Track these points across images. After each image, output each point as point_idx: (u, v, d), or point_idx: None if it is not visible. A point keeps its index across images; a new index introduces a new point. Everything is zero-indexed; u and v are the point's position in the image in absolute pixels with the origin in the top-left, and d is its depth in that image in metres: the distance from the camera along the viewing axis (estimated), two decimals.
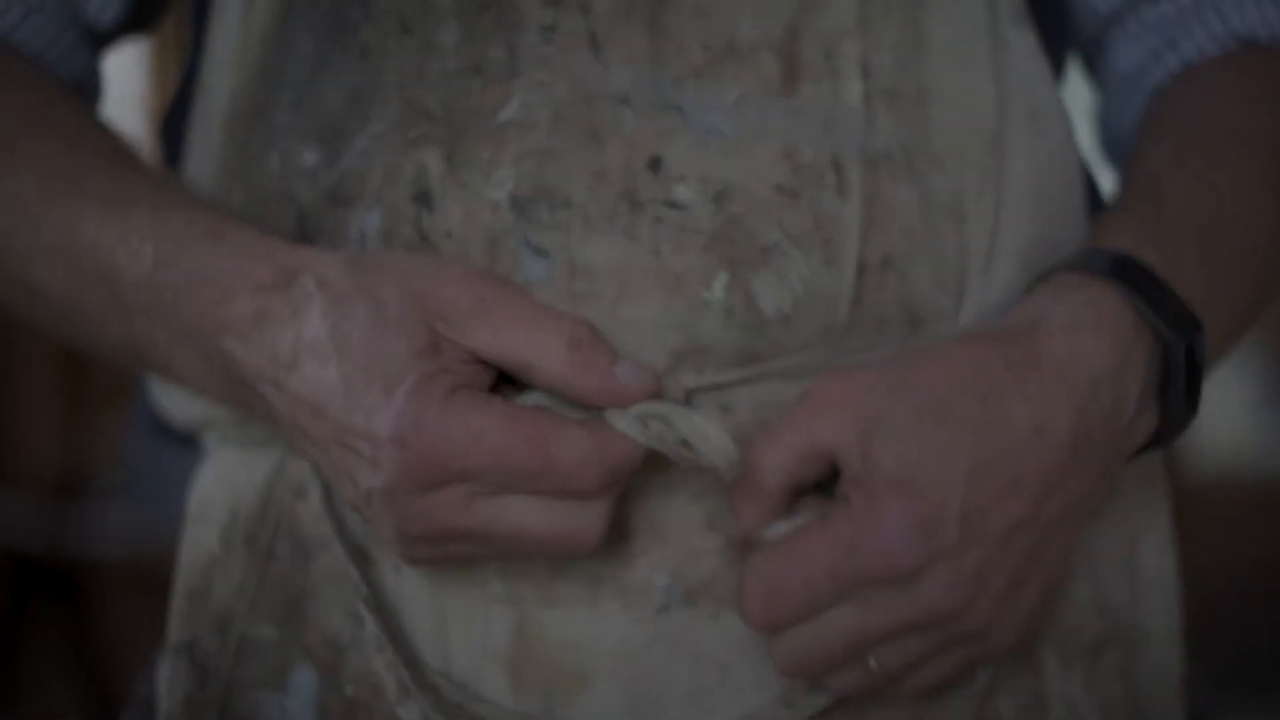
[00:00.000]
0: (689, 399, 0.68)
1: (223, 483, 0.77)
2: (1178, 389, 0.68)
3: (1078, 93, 0.85)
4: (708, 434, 0.66)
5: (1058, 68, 0.82)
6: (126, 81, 3.52)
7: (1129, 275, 0.68)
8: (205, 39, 0.79)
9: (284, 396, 0.66)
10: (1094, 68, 0.86)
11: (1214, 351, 0.73)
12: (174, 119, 0.82)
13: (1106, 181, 0.83)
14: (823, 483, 0.67)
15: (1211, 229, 0.74)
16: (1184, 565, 0.79)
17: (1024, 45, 0.74)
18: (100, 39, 0.83)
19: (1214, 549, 2.54)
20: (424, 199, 0.69)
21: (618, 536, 0.69)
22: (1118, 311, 0.68)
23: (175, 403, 0.79)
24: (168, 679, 0.77)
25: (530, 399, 0.67)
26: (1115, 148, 0.86)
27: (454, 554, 0.67)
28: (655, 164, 0.69)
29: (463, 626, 0.71)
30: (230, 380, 0.69)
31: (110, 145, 0.75)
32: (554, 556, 0.68)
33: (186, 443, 0.84)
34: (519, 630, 0.70)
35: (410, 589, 0.71)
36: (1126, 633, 0.75)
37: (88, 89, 0.84)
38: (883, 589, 0.64)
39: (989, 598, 0.65)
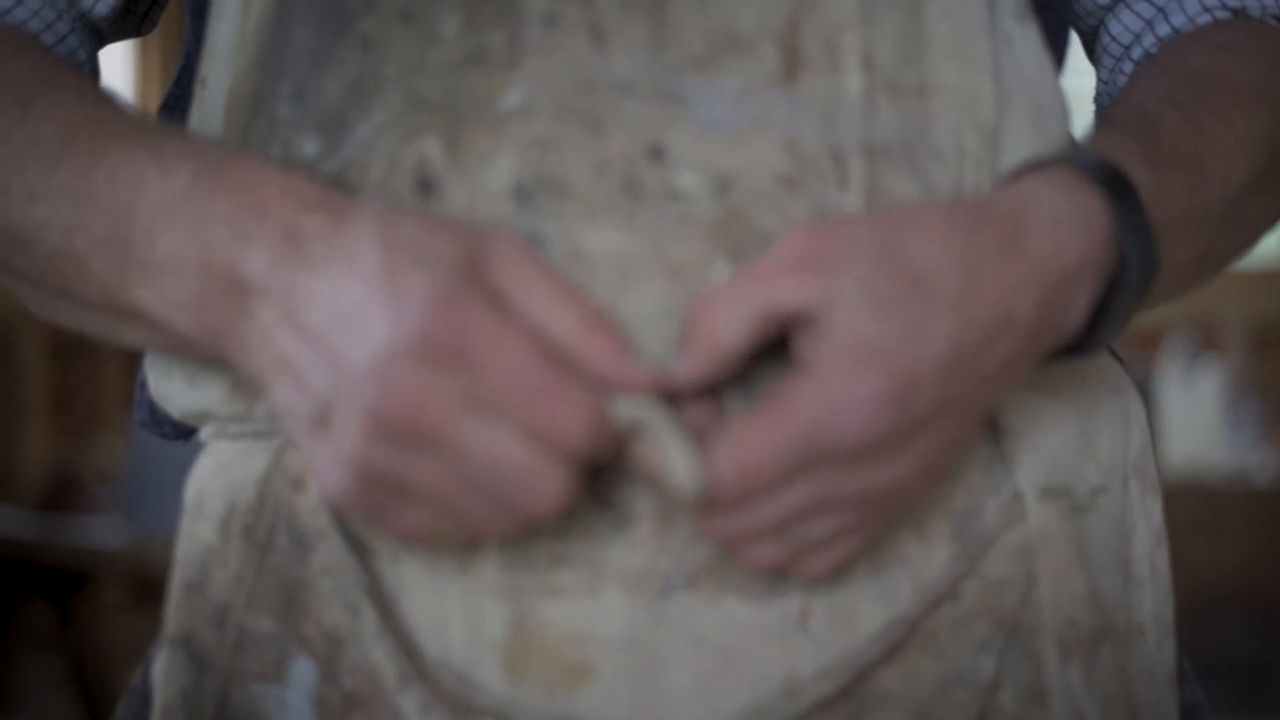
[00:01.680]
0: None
1: (220, 475, 0.76)
2: (1112, 313, 0.69)
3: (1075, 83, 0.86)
4: (680, 453, 0.65)
5: (1058, 59, 0.83)
6: (112, 78, 3.53)
7: (1118, 189, 0.69)
8: (203, 32, 0.79)
9: (293, 285, 0.65)
10: (1093, 48, 0.87)
11: (1169, 289, 0.74)
12: (170, 111, 0.82)
13: None
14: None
15: (1201, 170, 0.74)
16: None
17: (1027, 40, 0.74)
18: (96, 32, 0.83)
19: (1183, 556, 2.54)
20: (426, 188, 0.69)
21: (620, 522, 0.69)
22: (1098, 220, 0.69)
23: (171, 395, 0.79)
24: (164, 671, 0.76)
25: None
26: None
27: (410, 461, 0.66)
28: (656, 153, 0.69)
29: (462, 616, 0.70)
30: (224, 287, 0.68)
31: (121, 103, 0.75)
32: (508, 521, 0.67)
33: (182, 435, 0.84)
34: (517, 622, 0.70)
35: (408, 579, 0.71)
36: (1120, 627, 0.75)
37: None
38: (843, 463, 0.65)
39: (925, 472, 0.67)
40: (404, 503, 0.67)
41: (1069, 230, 0.68)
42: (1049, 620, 0.73)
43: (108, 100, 0.75)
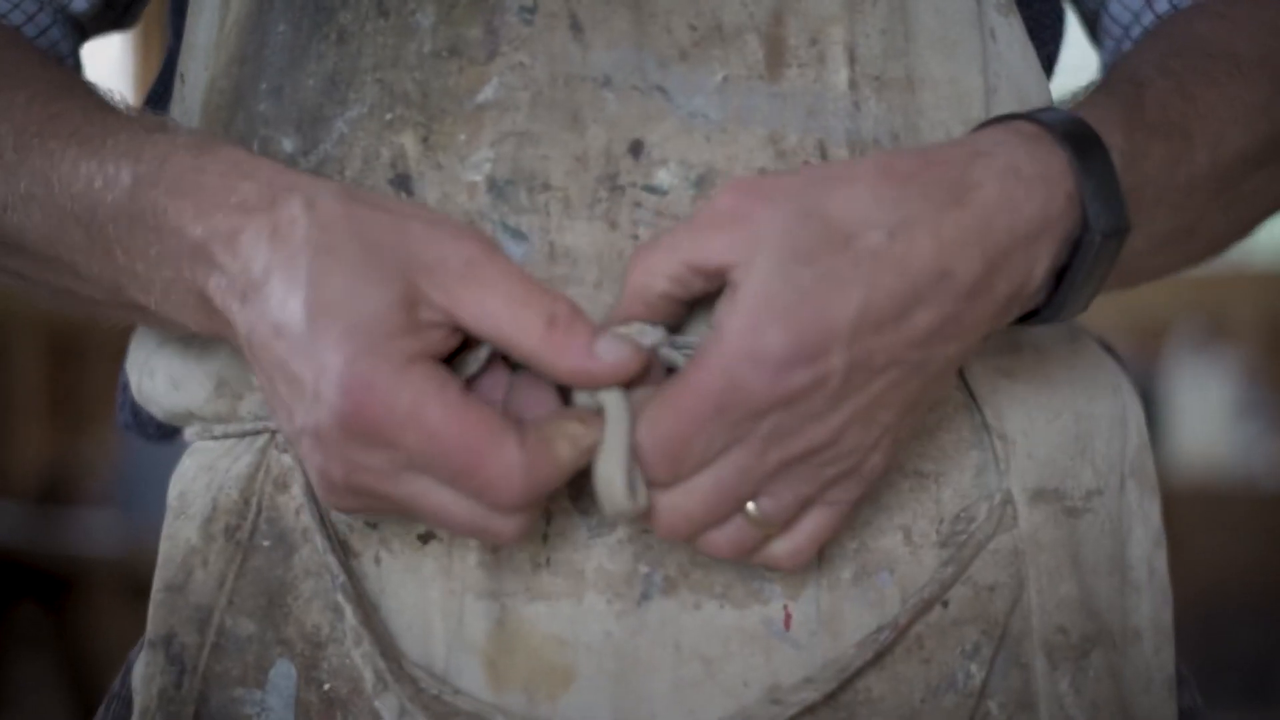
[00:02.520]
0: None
1: (203, 475, 0.76)
2: (1078, 278, 0.67)
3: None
4: (613, 476, 0.64)
5: (1050, 58, 0.82)
6: (109, 77, 3.52)
7: (1083, 146, 0.66)
8: (183, 28, 0.78)
9: (245, 314, 0.64)
10: (1095, 30, 0.85)
11: (1155, 263, 0.73)
12: (155, 106, 0.81)
13: None
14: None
15: (1187, 138, 0.72)
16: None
17: (1011, 33, 0.73)
18: (77, 26, 0.82)
19: (1189, 555, 2.54)
20: (402, 182, 0.69)
21: (600, 528, 0.68)
22: (1059, 176, 0.66)
23: (155, 396, 0.78)
24: (144, 673, 0.76)
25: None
26: None
27: (376, 511, 0.66)
28: (636, 148, 0.68)
29: (444, 618, 0.70)
30: (202, 304, 0.67)
31: (88, 92, 0.74)
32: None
33: (166, 436, 0.83)
34: (499, 624, 0.69)
35: (391, 581, 0.70)
36: (1115, 632, 0.74)
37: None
38: (769, 424, 0.63)
39: (869, 433, 0.64)
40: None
41: (1026, 185, 0.65)
42: (1038, 627, 0.72)
43: (66, 92, 0.74)
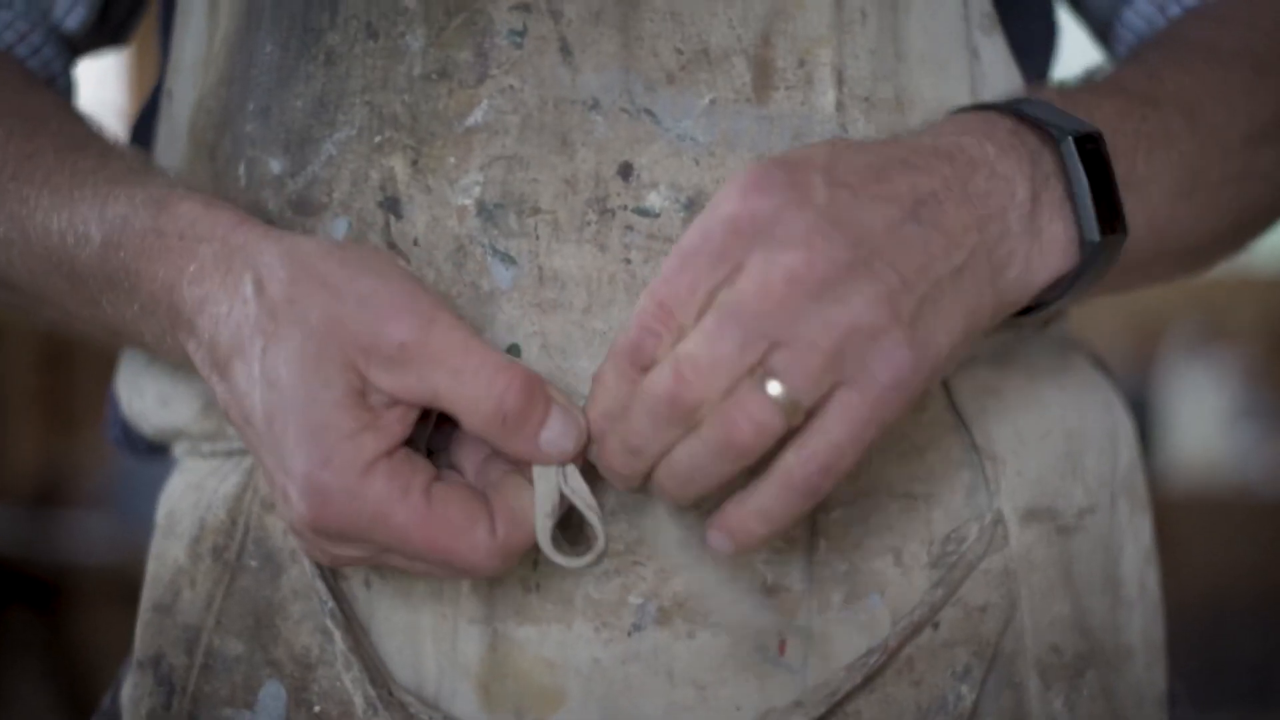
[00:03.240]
0: None
1: (191, 494, 0.76)
2: (1082, 187, 0.65)
3: None
4: (542, 541, 0.64)
5: (1041, 72, 0.82)
6: (103, 91, 3.51)
7: (1020, 103, 0.67)
8: (171, 48, 0.78)
9: (220, 393, 0.65)
10: (1109, 43, 0.85)
11: (1163, 229, 0.71)
12: (143, 127, 0.81)
13: None
14: None
15: (1152, 101, 0.71)
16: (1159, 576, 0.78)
17: (994, 52, 0.73)
18: (70, 45, 0.82)
19: (1187, 560, 2.54)
20: (391, 205, 0.68)
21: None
22: (998, 120, 0.66)
23: (144, 413, 0.78)
24: (133, 694, 0.75)
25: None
26: None
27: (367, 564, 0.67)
28: (626, 171, 0.67)
29: (433, 643, 0.69)
30: (190, 359, 0.67)
31: (67, 125, 0.74)
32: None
33: (155, 453, 0.83)
34: (491, 648, 0.69)
35: (381, 605, 0.70)
36: (1108, 650, 0.74)
37: (60, 89, 0.83)
38: (760, 250, 0.60)
39: (878, 291, 0.60)
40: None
41: (968, 134, 0.65)
42: (1031, 646, 0.72)
43: (40, 127, 0.74)
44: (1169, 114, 0.71)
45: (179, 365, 0.71)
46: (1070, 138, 0.65)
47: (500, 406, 0.62)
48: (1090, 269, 0.65)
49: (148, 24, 0.88)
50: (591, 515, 0.64)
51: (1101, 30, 0.85)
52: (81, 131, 0.74)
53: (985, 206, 0.63)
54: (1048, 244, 0.65)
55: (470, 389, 0.62)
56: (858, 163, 0.62)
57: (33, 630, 3.24)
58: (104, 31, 0.84)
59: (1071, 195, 0.65)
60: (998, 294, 0.64)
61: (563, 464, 0.64)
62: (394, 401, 0.63)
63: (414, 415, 0.64)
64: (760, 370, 0.60)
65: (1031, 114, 0.66)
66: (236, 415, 0.64)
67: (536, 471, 0.64)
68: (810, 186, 0.61)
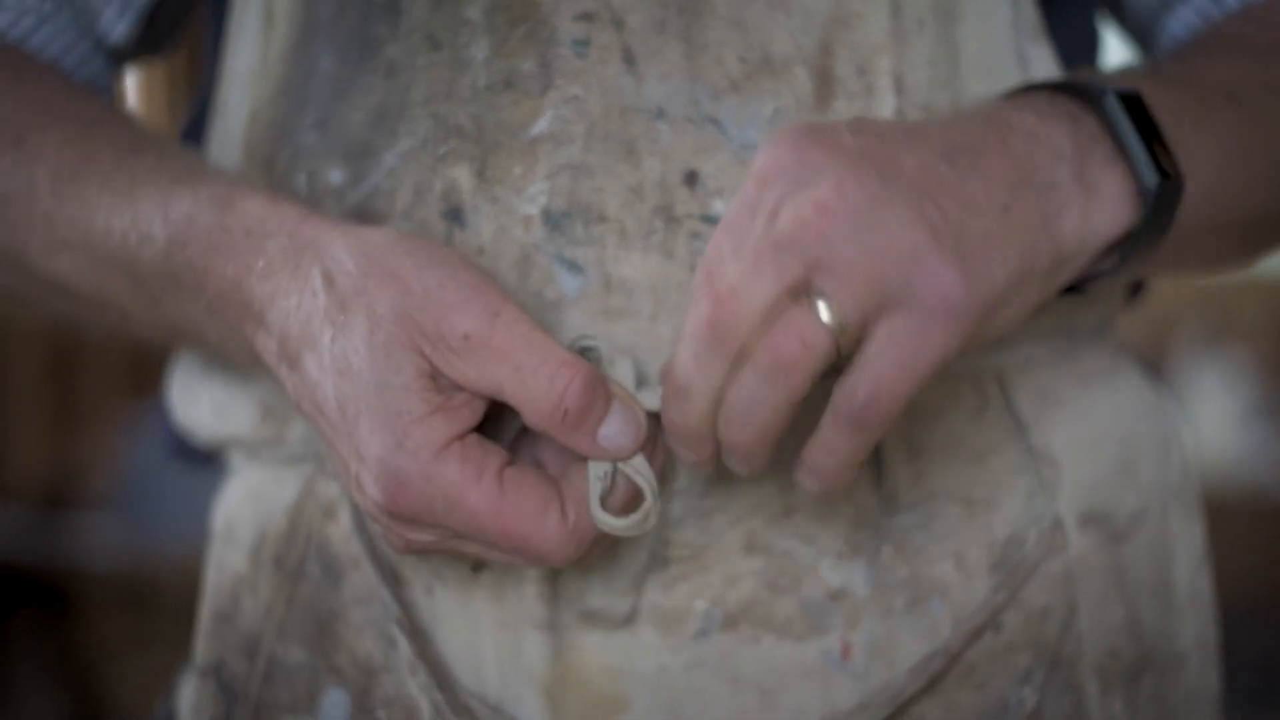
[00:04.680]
0: None
1: (250, 502, 0.76)
2: (1130, 136, 0.64)
3: None
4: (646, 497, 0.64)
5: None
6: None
7: (1054, 80, 0.67)
8: (223, 58, 0.78)
9: (292, 385, 0.65)
10: (1149, 51, 0.85)
11: (1215, 189, 0.70)
12: (189, 139, 0.81)
13: None
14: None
15: (1183, 83, 0.71)
16: None
17: (1043, 61, 0.74)
18: (113, 56, 0.82)
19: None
20: (455, 215, 0.69)
21: (657, 563, 0.68)
22: (1034, 92, 0.67)
23: (199, 421, 0.78)
24: (193, 702, 0.76)
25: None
26: None
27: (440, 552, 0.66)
28: (691, 178, 0.68)
29: (497, 650, 0.70)
30: (256, 356, 0.67)
31: (120, 128, 0.74)
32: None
33: (207, 461, 0.83)
34: (556, 655, 0.69)
35: (444, 611, 0.70)
36: (1162, 655, 0.75)
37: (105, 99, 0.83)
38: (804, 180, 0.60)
39: (915, 214, 0.60)
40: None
41: (1005, 104, 0.65)
42: (1090, 650, 0.72)
43: (96, 130, 0.74)
44: (1209, 93, 0.71)
45: (243, 364, 0.71)
46: (1111, 93, 0.65)
47: (561, 403, 0.62)
48: (1152, 224, 0.64)
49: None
50: (641, 480, 0.64)
51: (1143, 38, 0.85)
52: (137, 133, 0.74)
53: (1028, 162, 0.63)
54: (1103, 197, 0.64)
55: (532, 385, 0.62)
56: (890, 124, 0.62)
57: (40, 633, 3.23)
58: (148, 42, 0.84)
59: (1121, 150, 0.64)
60: (1054, 240, 0.63)
61: (621, 460, 0.64)
62: (460, 389, 0.63)
63: (483, 404, 0.64)
64: (804, 295, 0.59)
65: (1068, 83, 0.66)
66: (309, 406, 0.64)
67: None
68: (836, 134, 0.61)
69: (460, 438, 0.63)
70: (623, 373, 0.65)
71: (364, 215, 0.70)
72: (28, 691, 3.18)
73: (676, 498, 0.68)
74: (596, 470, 0.64)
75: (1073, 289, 0.67)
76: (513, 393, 0.62)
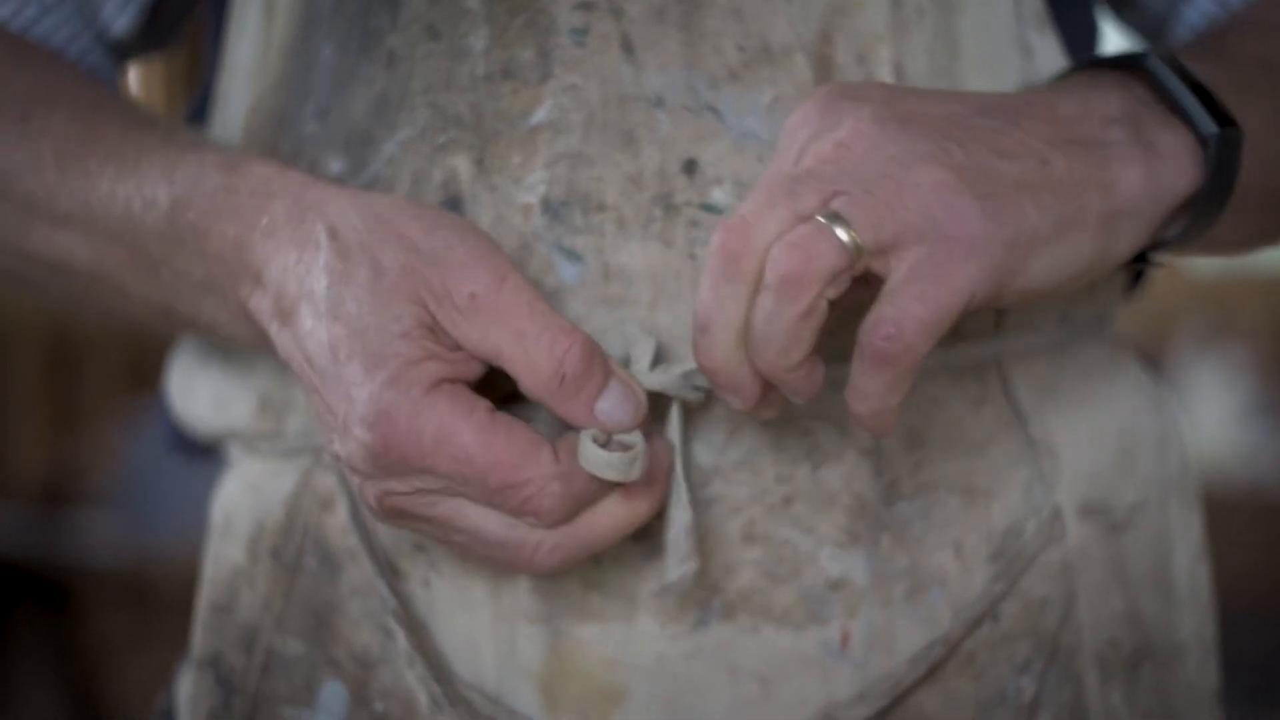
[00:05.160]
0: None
1: (248, 495, 0.76)
2: (1182, 91, 0.64)
3: None
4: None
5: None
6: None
7: (1091, 57, 0.68)
8: (224, 49, 0.78)
9: (283, 340, 0.65)
10: (1161, 42, 0.85)
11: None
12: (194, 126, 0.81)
13: None
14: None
15: (1234, 67, 0.71)
16: None
17: (1047, 50, 0.74)
18: (115, 49, 0.82)
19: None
20: (454, 204, 0.69)
21: (655, 551, 0.68)
22: (1076, 69, 0.68)
23: (198, 414, 0.78)
24: (191, 694, 0.76)
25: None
26: None
27: (417, 530, 0.66)
28: (690, 167, 0.68)
29: (495, 641, 0.70)
30: (250, 321, 0.67)
31: (124, 109, 0.74)
32: (506, 571, 0.67)
33: (206, 454, 0.83)
34: (552, 646, 0.69)
35: (440, 603, 0.70)
36: (1161, 647, 0.75)
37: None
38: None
39: (936, 149, 0.60)
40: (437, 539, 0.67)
41: (1054, 83, 0.66)
42: (1089, 640, 0.72)
43: (102, 109, 0.74)
44: (1245, 65, 0.72)
45: (234, 339, 0.71)
46: (1154, 55, 0.65)
47: (560, 368, 0.62)
48: (1217, 177, 0.64)
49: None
50: (632, 440, 0.63)
51: (1153, 31, 0.85)
52: (142, 113, 0.74)
53: (1077, 125, 0.63)
54: (1165, 155, 0.64)
55: (533, 349, 0.62)
56: (928, 90, 0.63)
57: (40, 629, 3.23)
58: (150, 37, 0.84)
59: (1173, 111, 0.64)
60: (1108, 192, 0.62)
61: (621, 430, 0.63)
62: (459, 348, 0.63)
63: (478, 367, 0.64)
64: (817, 216, 0.59)
65: (1107, 58, 0.66)
66: (299, 358, 0.64)
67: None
68: (866, 88, 0.61)
69: (451, 380, 0.63)
70: (643, 349, 0.65)
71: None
72: (28, 687, 3.18)
73: (675, 486, 0.68)
74: (589, 433, 0.63)
75: (1141, 259, 0.66)
76: (512, 356, 0.62)
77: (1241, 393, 3.46)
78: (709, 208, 0.67)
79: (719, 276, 0.60)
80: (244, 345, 0.71)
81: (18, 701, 3.19)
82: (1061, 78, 0.68)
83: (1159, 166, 0.63)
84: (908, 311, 0.58)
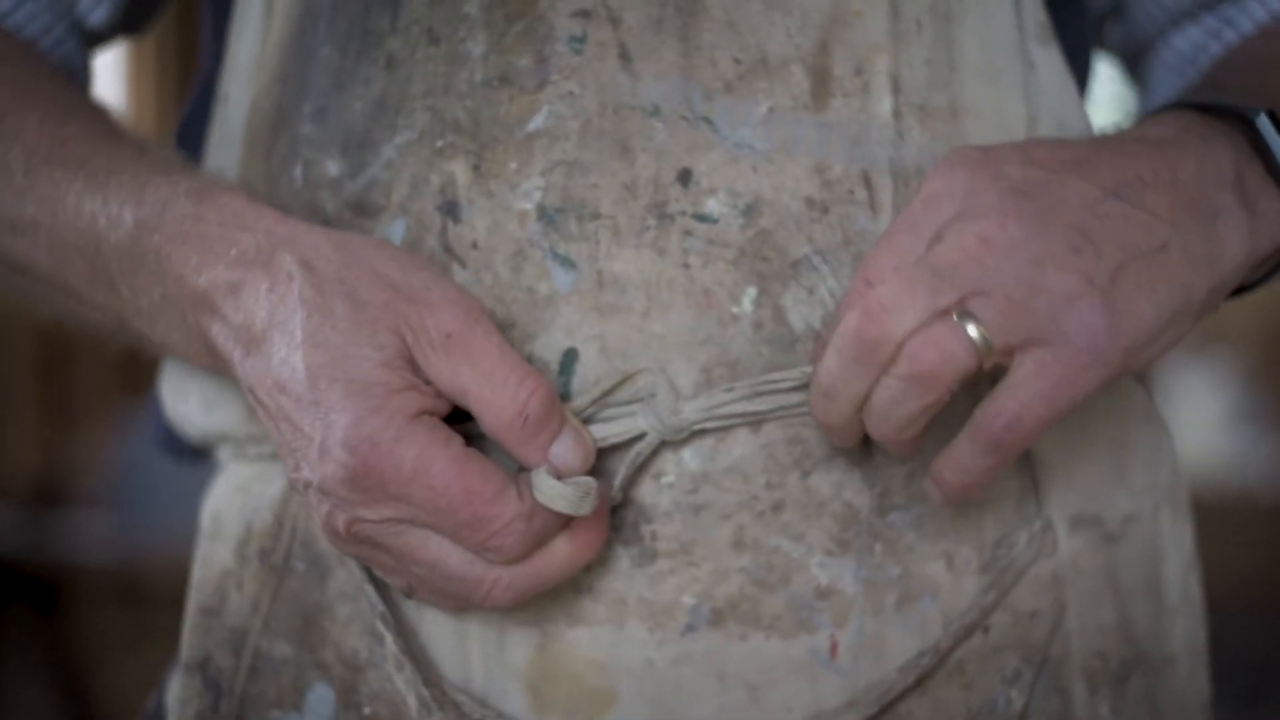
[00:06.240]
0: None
1: (236, 497, 0.76)
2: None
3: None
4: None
5: (1081, 86, 0.82)
6: (103, 91, 3.51)
7: (1194, 101, 0.69)
8: (225, 49, 0.78)
9: (248, 366, 0.65)
10: (1142, 64, 0.86)
11: None
12: (190, 129, 0.82)
13: None
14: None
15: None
16: None
17: (1050, 63, 0.74)
18: (90, 37, 0.83)
19: None
20: (450, 209, 0.69)
21: (643, 558, 0.68)
22: (1187, 111, 0.69)
23: (188, 417, 0.78)
24: (179, 697, 0.76)
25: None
26: None
27: (373, 561, 0.67)
28: (685, 176, 0.68)
29: (483, 645, 0.70)
30: (205, 347, 0.68)
31: (97, 117, 0.75)
32: (457, 605, 0.68)
33: (198, 455, 0.83)
34: (541, 649, 0.69)
35: (428, 609, 0.70)
36: (1151, 656, 0.75)
37: (78, 82, 0.83)
38: (964, 204, 0.63)
39: (1067, 246, 0.63)
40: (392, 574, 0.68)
41: (1172, 127, 0.68)
42: (1078, 652, 0.72)
43: (74, 115, 0.74)
44: None
45: (185, 357, 0.71)
46: (1263, 113, 0.67)
47: (523, 410, 0.64)
48: None
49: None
50: (584, 480, 0.65)
51: (1134, 53, 0.86)
52: (114, 124, 0.75)
53: (1195, 190, 0.65)
54: (1265, 214, 0.67)
55: (500, 390, 0.64)
56: (1058, 150, 0.65)
57: (32, 629, 3.23)
58: (126, 23, 0.84)
59: (1270, 169, 0.67)
60: (1215, 270, 0.65)
61: (573, 474, 0.65)
62: (430, 383, 0.65)
63: (447, 405, 0.65)
64: (953, 313, 0.62)
65: (1214, 104, 0.68)
66: (268, 385, 0.64)
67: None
68: (1005, 163, 0.64)
69: (429, 414, 0.64)
70: (653, 383, 0.67)
71: (361, 207, 0.70)
72: (19, 687, 3.18)
73: (664, 492, 0.68)
74: (543, 468, 0.66)
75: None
76: (479, 396, 0.64)
77: (1229, 399, 3.46)
78: (703, 217, 0.68)
79: (851, 357, 0.63)
80: (193, 363, 0.72)
81: (9, 701, 3.19)
82: (1169, 114, 0.69)
83: (1259, 229, 0.66)
84: (1030, 409, 0.62)
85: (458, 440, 0.64)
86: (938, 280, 0.62)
